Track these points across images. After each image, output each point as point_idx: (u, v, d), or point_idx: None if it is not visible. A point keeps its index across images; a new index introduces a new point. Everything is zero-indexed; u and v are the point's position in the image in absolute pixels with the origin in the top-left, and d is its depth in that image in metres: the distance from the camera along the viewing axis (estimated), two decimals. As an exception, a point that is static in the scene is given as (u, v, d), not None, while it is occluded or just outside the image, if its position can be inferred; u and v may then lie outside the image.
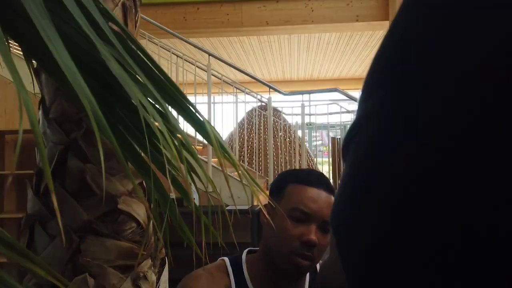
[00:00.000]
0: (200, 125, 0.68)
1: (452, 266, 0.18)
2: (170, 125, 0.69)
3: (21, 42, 0.93)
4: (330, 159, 5.69)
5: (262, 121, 5.61)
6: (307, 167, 4.96)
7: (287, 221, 0.85)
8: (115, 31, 0.80)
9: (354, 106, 4.57)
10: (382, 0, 5.02)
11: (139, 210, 1.24)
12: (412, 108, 0.20)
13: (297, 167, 4.79)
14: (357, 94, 4.70)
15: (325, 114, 4.81)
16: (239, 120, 5.05)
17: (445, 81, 0.19)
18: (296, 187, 0.88)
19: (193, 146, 0.76)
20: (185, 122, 0.73)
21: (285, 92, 4.03)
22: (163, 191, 0.97)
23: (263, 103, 5.11)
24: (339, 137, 6.28)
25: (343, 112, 4.97)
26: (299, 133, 5.67)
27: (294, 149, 5.71)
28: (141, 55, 0.77)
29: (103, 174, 1.16)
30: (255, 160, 5.06)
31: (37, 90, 1.26)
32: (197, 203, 3.50)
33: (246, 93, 4.46)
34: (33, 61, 1.19)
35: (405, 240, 0.19)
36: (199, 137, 0.92)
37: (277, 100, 6.03)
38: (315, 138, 8.44)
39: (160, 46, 3.94)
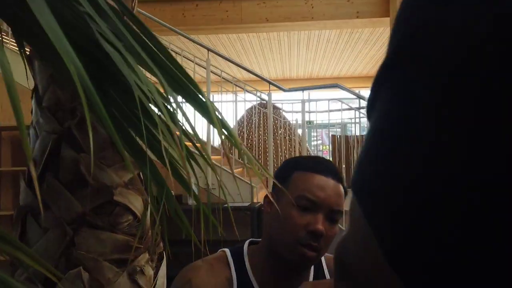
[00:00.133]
0: (201, 104, 0.64)
1: (480, 229, 0.17)
2: (167, 104, 0.65)
3: (13, 23, 0.88)
4: (331, 157, 5.65)
5: (262, 119, 5.57)
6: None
7: (292, 209, 0.81)
8: (112, 6, 0.76)
9: (355, 103, 4.54)
10: (382, -3, 4.98)
11: (136, 202, 1.20)
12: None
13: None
14: (357, 92, 4.66)
15: (326, 111, 4.76)
16: (238, 118, 5.01)
17: None
18: (303, 174, 0.84)
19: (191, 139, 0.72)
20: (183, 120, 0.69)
21: (285, 88, 3.98)
22: (160, 179, 0.93)
23: (262, 101, 5.07)
24: (339, 135, 6.25)
25: (344, 110, 4.93)
26: (299, 131, 5.63)
27: (294, 147, 5.67)
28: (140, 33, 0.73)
29: (92, 159, 1.11)
30: (255, 159, 5.01)
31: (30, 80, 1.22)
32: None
33: (246, 90, 4.42)
34: (26, 49, 1.14)
35: (435, 204, 0.18)
36: (198, 136, 0.88)
37: (277, 99, 5.99)
38: (315, 138, 8.41)
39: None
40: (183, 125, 0.71)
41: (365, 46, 6.99)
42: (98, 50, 0.80)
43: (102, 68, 0.84)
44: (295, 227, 0.80)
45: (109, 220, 1.14)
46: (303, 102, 4.01)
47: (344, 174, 3.98)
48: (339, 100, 4.47)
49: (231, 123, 5.09)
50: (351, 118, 6.38)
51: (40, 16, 0.48)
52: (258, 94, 4.70)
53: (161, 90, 0.67)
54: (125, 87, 0.87)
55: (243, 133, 5.07)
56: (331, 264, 0.93)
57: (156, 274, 1.26)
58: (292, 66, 8.39)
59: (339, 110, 4.98)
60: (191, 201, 3.56)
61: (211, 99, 4.03)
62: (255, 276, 0.85)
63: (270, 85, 3.97)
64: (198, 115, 0.74)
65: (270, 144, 4.18)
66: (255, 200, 3.69)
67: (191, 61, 3.97)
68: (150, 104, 0.70)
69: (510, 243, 0.17)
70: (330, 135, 6.24)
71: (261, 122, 5.62)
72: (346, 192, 0.85)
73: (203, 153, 0.71)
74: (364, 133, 6.30)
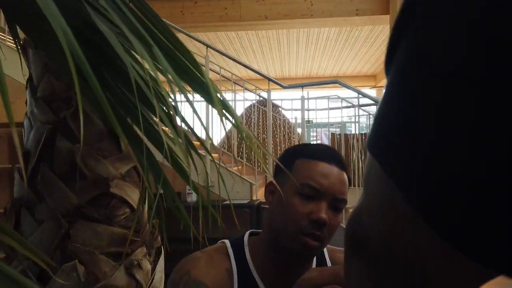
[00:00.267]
0: (199, 84, 0.61)
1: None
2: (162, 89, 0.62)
3: (4, 3, 0.86)
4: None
5: (261, 117, 5.54)
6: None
7: (295, 197, 0.78)
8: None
9: (355, 102, 4.50)
10: (382, -6, 4.96)
11: (133, 195, 1.17)
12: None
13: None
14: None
15: (326, 109, 4.73)
16: (237, 116, 4.97)
17: None
18: (306, 161, 0.81)
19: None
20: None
21: (284, 85, 3.95)
22: (157, 169, 0.90)
23: (261, 98, 5.04)
24: (339, 133, 6.23)
25: (344, 107, 4.90)
26: (299, 130, 5.60)
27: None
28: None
29: (81, 147, 1.08)
30: (254, 156, 4.99)
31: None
32: (195, 198, 3.44)
33: (245, 88, 4.39)
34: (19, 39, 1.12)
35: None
36: (197, 134, 0.85)
37: (277, 98, 5.96)
38: (314, 138, 8.38)
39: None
40: (181, 111, 0.68)
41: (364, 45, 6.97)
42: (93, 32, 0.78)
43: (97, 50, 0.81)
44: (298, 216, 0.77)
45: (106, 213, 1.11)
46: (302, 99, 3.98)
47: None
48: (339, 97, 4.43)
49: (228, 127, 5.06)
50: (350, 117, 6.36)
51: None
52: (257, 92, 4.68)
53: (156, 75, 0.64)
54: (121, 72, 0.84)
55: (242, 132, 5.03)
56: (334, 256, 0.90)
57: (154, 268, 1.23)
58: (291, 65, 8.37)
59: (339, 108, 4.96)
60: (190, 199, 3.54)
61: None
62: (256, 267, 0.82)
63: (270, 82, 3.94)
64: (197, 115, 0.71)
65: (269, 143, 4.16)
66: (254, 198, 3.67)
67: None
68: (150, 97, 0.67)
69: None
70: (330, 133, 6.22)
71: (260, 120, 5.59)
72: (350, 181, 0.83)
73: (203, 145, 0.68)
74: (364, 132, 6.28)
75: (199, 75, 0.62)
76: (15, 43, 1.12)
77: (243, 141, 5.27)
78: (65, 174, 1.10)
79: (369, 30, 6.21)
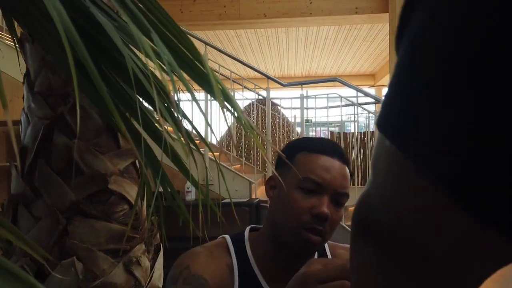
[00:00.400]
0: (199, 75, 0.60)
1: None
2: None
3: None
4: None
5: (260, 115, 5.53)
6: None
7: (296, 191, 0.76)
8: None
9: (354, 99, 4.50)
10: (381, -8, 4.95)
11: (132, 191, 1.16)
12: None
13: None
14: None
15: (325, 107, 4.71)
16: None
17: None
18: (307, 155, 0.79)
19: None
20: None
21: (284, 83, 3.93)
22: (156, 164, 0.89)
23: (260, 97, 5.03)
24: (338, 132, 6.22)
25: (343, 106, 4.89)
26: (298, 129, 5.59)
27: (293, 144, 5.62)
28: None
29: (77, 142, 1.06)
30: (253, 155, 4.98)
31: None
32: (194, 197, 3.43)
33: (244, 87, 4.37)
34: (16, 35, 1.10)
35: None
36: (197, 129, 0.84)
37: (276, 97, 5.95)
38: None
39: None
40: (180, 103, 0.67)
41: (364, 43, 6.96)
42: (92, 26, 0.76)
43: (96, 45, 0.79)
44: (299, 210, 0.75)
45: (104, 209, 1.10)
46: (302, 97, 3.97)
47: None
48: (338, 95, 4.42)
49: (229, 121, 5.05)
50: (349, 115, 6.35)
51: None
52: (256, 90, 4.66)
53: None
54: (120, 66, 0.83)
55: (241, 130, 5.03)
56: (335, 252, 0.89)
57: (153, 266, 1.22)
58: (290, 64, 8.35)
59: (338, 106, 4.95)
60: (188, 197, 3.52)
61: (208, 98, 3.98)
62: (257, 263, 0.81)
63: (269, 80, 3.92)
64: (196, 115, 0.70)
65: (269, 140, 4.14)
66: (253, 196, 3.65)
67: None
68: (150, 91, 0.66)
69: None
70: (329, 132, 6.21)
71: (259, 119, 5.58)
72: (352, 174, 0.81)
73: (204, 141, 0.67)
74: (363, 131, 6.28)
75: (199, 65, 0.60)
76: (12, 39, 1.11)
77: (241, 140, 5.26)
78: (63, 170, 1.09)
79: (368, 29, 6.20)
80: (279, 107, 5.99)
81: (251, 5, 5.03)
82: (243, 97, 5.11)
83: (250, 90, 4.60)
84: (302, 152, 0.80)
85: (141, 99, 0.87)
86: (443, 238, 0.19)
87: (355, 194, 3.55)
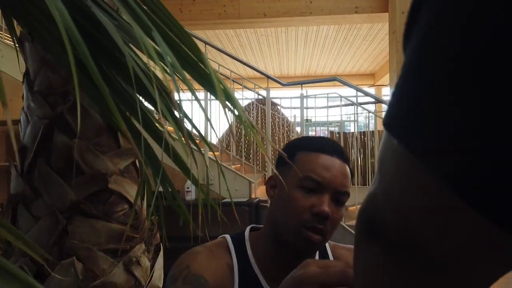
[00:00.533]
0: (201, 75, 0.59)
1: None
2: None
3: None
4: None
5: (259, 115, 5.53)
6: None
7: (296, 190, 0.76)
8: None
9: (354, 99, 4.49)
10: (381, -8, 4.94)
11: (132, 191, 1.16)
12: None
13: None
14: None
15: (325, 107, 4.71)
16: (236, 114, 4.94)
17: None
18: (307, 154, 0.79)
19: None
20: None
21: (284, 82, 3.93)
22: (156, 162, 0.88)
23: (260, 96, 5.03)
24: (338, 131, 6.22)
25: (343, 105, 4.89)
26: (298, 129, 5.58)
27: (292, 144, 5.62)
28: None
29: (77, 141, 1.06)
30: (253, 155, 4.97)
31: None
32: (194, 197, 3.43)
33: (244, 86, 4.37)
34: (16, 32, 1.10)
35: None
36: (197, 128, 0.83)
37: (276, 97, 5.95)
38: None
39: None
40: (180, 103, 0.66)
41: (363, 43, 6.96)
42: (93, 26, 0.76)
43: (96, 44, 0.79)
44: (299, 209, 0.75)
45: (104, 209, 1.10)
46: (301, 97, 3.96)
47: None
48: (338, 94, 4.41)
49: (230, 120, 5.03)
50: (349, 115, 6.34)
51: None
52: (256, 90, 4.66)
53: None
54: (121, 65, 0.82)
55: (241, 130, 5.03)
56: (336, 252, 0.88)
57: (153, 266, 1.21)
58: (289, 64, 8.35)
59: (338, 106, 4.94)
60: (188, 197, 3.52)
61: (208, 97, 3.97)
62: (257, 263, 0.81)
63: (268, 79, 3.92)
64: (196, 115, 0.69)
65: (269, 140, 4.14)
66: (253, 196, 3.65)
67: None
68: (151, 90, 0.65)
69: None
70: (329, 132, 6.21)
71: (259, 119, 5.57)
72: (352, 174, 0.81)
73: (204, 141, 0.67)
74: (362, 130, 6.28)
75: (200, 64, 0.60)
76: (12, 38, 1.10)
77: (241, 140, 5.26)
78: (63, 169, 1.08)
79: (368, 28, 6.20)
80: (278, 107, 5.99)
81: (250, 5, 5.03)
82: (243, 97, 5.11)
83: (249, 89, 4.59)
84: (302, 151, 0.80)
85: (142, 99, 0.87)
86: (449, 237, 0.19)
87: (355, 194, 3.55)
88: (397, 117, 0.21)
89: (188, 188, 3.41)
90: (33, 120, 1.11)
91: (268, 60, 8.03)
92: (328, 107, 4.67)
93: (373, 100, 4.60)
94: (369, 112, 4.57)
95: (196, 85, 0.72)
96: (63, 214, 1.05)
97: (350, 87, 3.87)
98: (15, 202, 1.09)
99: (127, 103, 0.84)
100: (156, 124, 0.84)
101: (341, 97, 4.32)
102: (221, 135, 5.60)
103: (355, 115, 4.58)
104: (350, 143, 5.55)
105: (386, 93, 8.55)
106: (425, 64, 0.19)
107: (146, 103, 0.91)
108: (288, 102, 6.00)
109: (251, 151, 5.07)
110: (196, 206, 0.82)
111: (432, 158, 0.18)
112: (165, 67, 0.51)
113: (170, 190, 0.95)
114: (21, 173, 1.11)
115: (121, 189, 1.13)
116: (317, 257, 0.84)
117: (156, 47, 0.53)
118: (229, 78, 4.28)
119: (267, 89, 3.97)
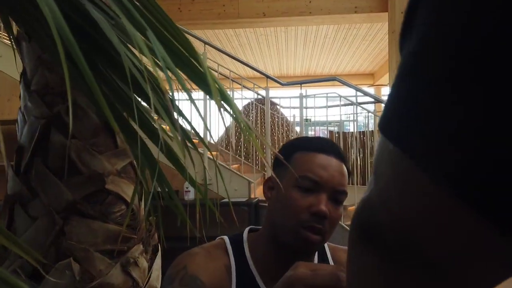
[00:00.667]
0: (197, 74, 0.59)
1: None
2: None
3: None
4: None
5: (259, 115, 5.52)
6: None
7: (294, 190, 0.76)
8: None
9: (353, 99, 4.49)
10: (381, -8, 4.94)
11: (129, 191, 1.15)
12: None
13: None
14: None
15: (324, 107, 4.71)
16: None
17: None
18: (304, 154, 0.79)
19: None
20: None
21: (283, 82, 3.93)
22: (153, 162, 0.88)
23: (260, 96, 5.02)
24: (337, 131, 6.21)
25: (342, 105, 4.88)
26: (297, 129, 5.58)
27: (292, 143, 5.61)
28: None
29: (70, 140, 1.05)
30: (252, 155, 4.97)
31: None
32: (193, 197, 3.42)
33: (243, 86, 4.36)
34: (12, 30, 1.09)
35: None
36: (195, 128, 0.83)
37: (275, 96, 5.94)
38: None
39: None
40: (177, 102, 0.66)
41: (363, 43, 6.96)
42: (90, 25, 0.75)
43: (92, 44, 0.78)
44: (297, 209, 0.75)
45: (101, 209, 1.09)
46: (301, 96, 3.96)
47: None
48: (338, 94, 4.41)
49: (228, 120, 5.04)
50: (348, 115, 6.34)
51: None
52: (255, 89, 4.65)
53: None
54: (117, 65, 0.82)
55: (240, 129, 5.01)
56: (335, 254, 0.88)
57: (150, 266, 1.21)
58: (289, 63, 8.35)
59: (337, 105, 4.94)
60: (187, 197, 3.51)
61: (206, 97, 3.96)
62: (255, 264, 0.80)
63: (268, 79, 3.92)
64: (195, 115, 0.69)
65: (268, 140, 4.13)
66: (252, 196, 3.65)
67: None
68: (146, 89, 0.65)
69: None
70: (328, 132, 6.20)
71: (258, 118, 5.57)
72: (349, 173, 0.81)
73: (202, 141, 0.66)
74: (362, 130, 6.27)
75: (196, 64, 0.59)
76: (9, 37, 1.09)
77: (241, 140, 5.25)
78: (60, 169, 1.08)
79: (368, 28, 6.20)
80: (278, 107, 5.99)
81: (250, 4, 5.02)
82: (242, 97, 5.10)
83: (249, 89, 4.59)
84: (299, 152, 0.79)
85: (139, 98, 0.86)
86: (446, 238, 0.19)
87: (354, 194, 3.55)
88: (394, 118, 0.20)
89: (187, 188, 3.40)
90: (30, 120, 1.10)
91: (268, 59, 8.03)
92: (327, 106, 4.66)
93: (372, 100, 4.60)
94: (369, 112, 4.57)
95: (194, 86, 0.71)
96: (60, 214, 1.05)
97: (350, 86, 3.87)
98: (12, 202, 1.09)
99: (124, 102, 0.84)
100: (153, 123, 0.84)
101: (341, 96, 4.31)
102: (220, 134, 5.60)
103: (355, 114, 4.58)
104: (349, 143, 5.55)
105: (386, 92, 8.55)
106: (425, 63, 0.19)
107: (144, 103, 0.90)
108: (288, 102, 5.99)
109: (250, 151, 5.07)
110: (194, 206, 0.81)
111: (432, 157, 0.18)
112: (158, 62, 0.50)
113: (167, 190, 0.94)
114: (18, 173, 1.10)
115: (118, 189, 1.12)
116: (316, 259, 0.84)
117: (149, 43, 0.52)
118: (229, 78, 4.27)
119: (267, 88, 3.97)
